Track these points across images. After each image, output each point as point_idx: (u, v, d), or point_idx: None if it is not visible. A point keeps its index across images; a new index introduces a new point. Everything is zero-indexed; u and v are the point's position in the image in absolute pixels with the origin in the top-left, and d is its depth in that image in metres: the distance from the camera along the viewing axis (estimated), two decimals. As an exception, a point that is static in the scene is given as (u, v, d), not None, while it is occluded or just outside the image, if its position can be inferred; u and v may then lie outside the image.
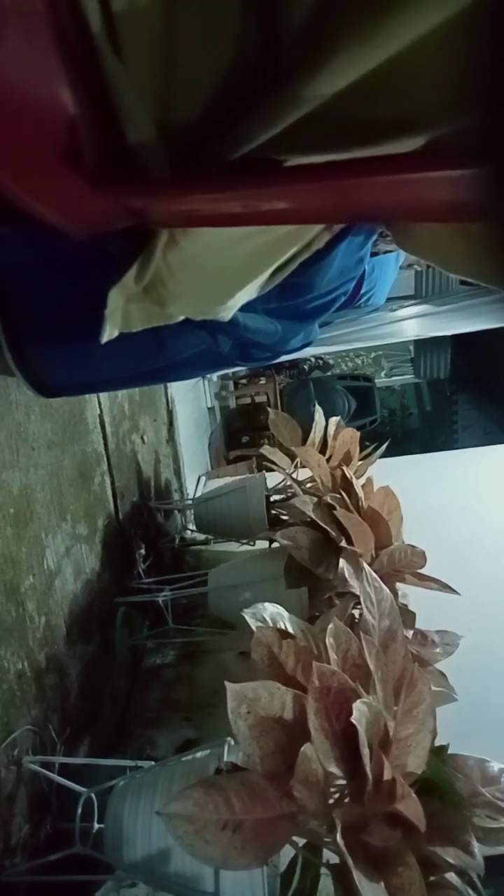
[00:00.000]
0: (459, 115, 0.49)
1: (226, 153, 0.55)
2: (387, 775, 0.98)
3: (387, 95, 0.49)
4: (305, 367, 5.79)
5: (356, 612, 1.67)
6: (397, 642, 1.24)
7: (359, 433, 2.47)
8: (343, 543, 1.77)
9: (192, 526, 2.99)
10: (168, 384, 3.35)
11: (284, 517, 2.46)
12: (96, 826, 1.30)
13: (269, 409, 2.83)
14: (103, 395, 2.25)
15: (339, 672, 1.05)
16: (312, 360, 5.70)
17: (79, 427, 1.99)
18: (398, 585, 1.88)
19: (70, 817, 1.29)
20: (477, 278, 0.76)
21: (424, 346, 6.55)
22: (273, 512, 2.53)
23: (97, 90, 0.52)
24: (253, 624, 1.22)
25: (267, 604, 1.32)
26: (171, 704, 2.15)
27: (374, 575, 1.36)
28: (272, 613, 1.30)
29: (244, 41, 0.50)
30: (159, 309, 0.84)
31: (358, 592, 1.41)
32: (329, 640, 1.13)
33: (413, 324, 3.42)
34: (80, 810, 1.29)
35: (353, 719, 0.95)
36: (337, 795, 1.01)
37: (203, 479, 3.22)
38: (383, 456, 2.45)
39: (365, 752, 0.95)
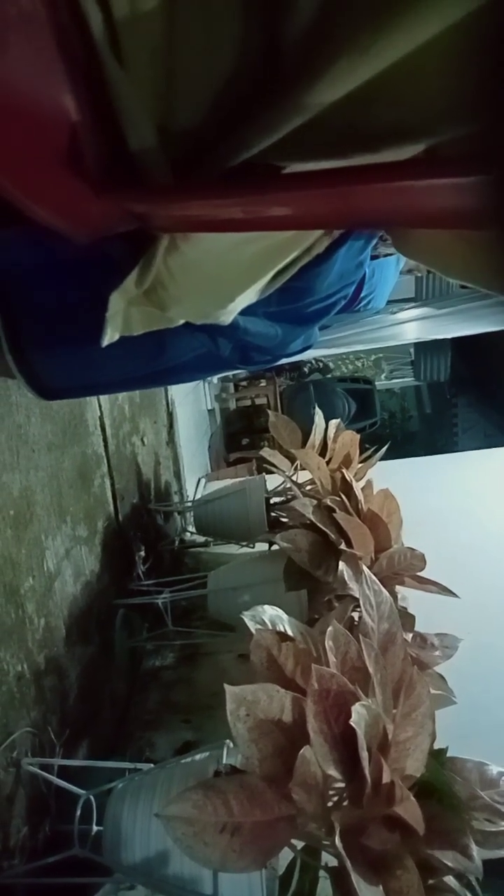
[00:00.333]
0: (460, 122, 0.49)
1: (226, 159, 0.56)
2: (385, 778, 0.98)
3: (387, 102, 0.49)
4: (305, 369, 5.79)
5: (355, 615, 1.67)
6: (396, 645, 1.24)
7: (359, 436, 2.47)
8: (343, 546, 1.78)
9: (191, 528, 2.99)
10: (168, 386, 3.35)
11: (284, 519, 2.47)
12: (95, 828, 1.30)
13: (269, 412, 2.84)
14: (103, 397, 2.26)
15: (338, 675, 1.05)
16: (312, 362, 5.71)
17: (79, 429, 2.00)
18: (397, 588, 1.88)
19: (69, 819, 1.29)
20: (478, 284, 0.76)
21: (425, 348, 6.56)
22: (273, 514, 2.53)
23: (99, 96, 0.52)
24: (252, 626, 1.22)
25: (266, 606, 1.32)
26: (171, 706, 2.15)
27: (374, 578, 1.36)
28: (271, 616, 1.30)
29: (245, 48, 0.51)
30: (160, 312, 0.84)
31: (357, 595, 1.41)
32: (328, 643, 1.13)
33: (413, 326, 3.42)
34: (78, 812, 1.29)
35: (352, 722, 0.96)
36: (336, 798, 1.02)
37: (203, 481, 3.22)
38: (383, 459, 2.46)
39: (364, 755, 0.96)
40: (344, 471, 2.10)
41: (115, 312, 0.80)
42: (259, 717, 1.01)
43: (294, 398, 5.27)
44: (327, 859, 1.06)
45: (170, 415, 3.44)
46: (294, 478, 2.42)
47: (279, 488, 2.63)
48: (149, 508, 2.76)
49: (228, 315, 0.90)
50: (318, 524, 1.84)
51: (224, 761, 1.23)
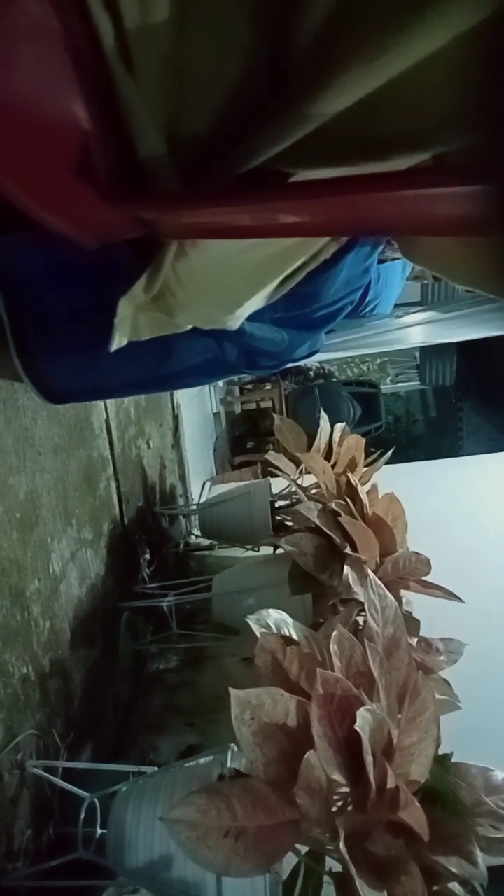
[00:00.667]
0: (466, 132, 0.49)
1: (235, 167, 0.56)
2: (390, 783, 0.98)
3: (394, 111, 0.49)
4: (311, 373, 5.79)
5: (360, 619, 1.67)
6: (401, 650, 1.24)
7: (364, 439, 2.47)
8: (347, 550, 1.78)
9: (196, 531, 3.00)
10: (174, 390, 3.36)
11: (289, 523, 2.47)
12: (99, 831, 1.30)
13: (275, 415, 2.84)
14: (110, 401, 2.26)
15: (342, 679, 1.05)
16: (317, 365, 5.71)
17: (85, 432, 2.01)
18: (402, 593, 1.88)
19: (73, 822, 1.29)
20: (483, 289, 0.76)
21: (430, 352, 6.56)
22: (277, 518, 2.53)
23: (109, 106, 0.53)
24: (257, 630, 1.23)
25: (271, 610, 1.32)
26: (175, 710, 2.15)
27: (379, 582, 1.36)
28: (276, 620, 1.30)
29: (254, 58, 0.51)
30: (168, 318, 0.84)
31: (362, 599, 1.41)
32: (333, 647, 1.13)
33: (419, 330, 3.43)
34: (82, 815, 1.29)
35: (356, 727, 0.96)
36: (340, 803, 1.02)
37: (208, 484, 3.22)
38: (388, 462, 2.46)
39: (368, 759, 0.95)
40: (349, 475, 2.11)
41: (123, 318, 0.81)
42: (263, 721, 1.01)
43: (299, 402, 5.27)
44: (331, 864, 1.06)
45: (175, 418, 3.45)
46: (299, 481, 2.42)
47: (284, 492, 2.63)
48: (154, 511, 2.76)
49: (236, 320, 0.91)
50: (323, 528, 1.84)
51: (228, 765, 1.23)
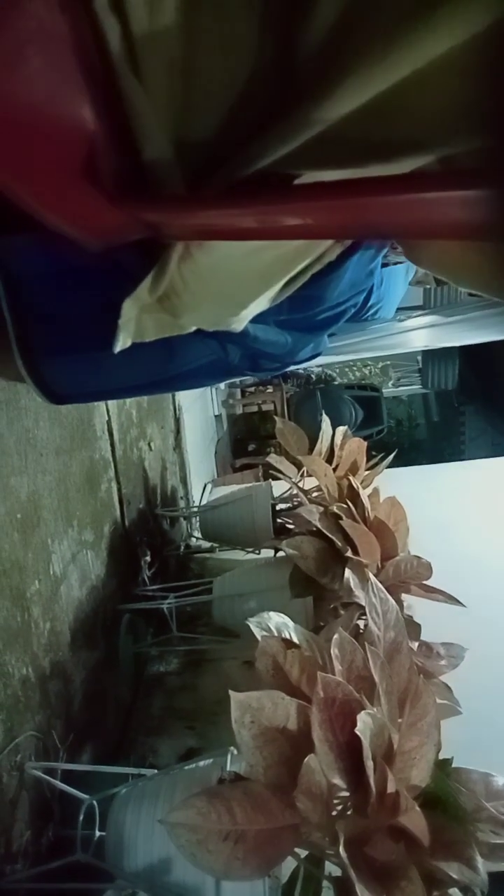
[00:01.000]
0: (472, 135, 0.49)
1: (240, 169, 0.56)
2: (390, 788, 0.98)
3: (399, 114, 0.49)
4: (313, 376, 5.79)
5: (361, 623, 1.66)
6: (402, 654, 1.24)
7: (366, 443, 2.47)
8: (349, 554, 1.77)
9: (197, 534, 2.99)
10: (176, 392, 3.36)
11: (290, 526, 2.47)
12: (98, 834, 1.30)
13: (276, 418, 2.84)
14: (111, 402, 2.27)
15: (343, 683, 1.05)
16: (319, 368, 5.71)
17: (87, 433, 2.01)
18: (404, 597, 1.88)
19: (72, 824, 1.29)
20: (489, 293, 0.76)
21: (432, 356, 6.55)
22: (279, 521, 2.53)
23: (115, 108, 0.53)
24: (258, 633, 1.22)
25: (272, 613, 1.32)
26: (175, 713, 2.15)
27: (380, 586, 1.36)
28: (277, 623, 1.30)
29: (261, 61, 0.51)
30: (173, 319, 0.84)
31: (363, 603, 1.41)
32: (334, 651, 1.13)
33: (421, 334, 3.42)
34: (81, 817, 1.28)
35: (357, 731, 0.95)
36: (340, 807, 1.01)
37: (209, 486, 3.22)
38: (390, 466, 2.45)
39: (369, 764, 0.95)
40: (351, 478, 2.10)
41: (127, 319, 0.80)
42: (264, 725, 1.01)
43: (301, 404, 5.27)
44: (331, 869, 1.06)
45: (177, 420, 3.45)
46: (300, 484, 2.42)
47: (285, 495, 2.63)
48: (155, 513, 2.76)
49: (240, 322, 0.91)
50: (325, 531, 1.84)
51: (228, 768, 1.23)
